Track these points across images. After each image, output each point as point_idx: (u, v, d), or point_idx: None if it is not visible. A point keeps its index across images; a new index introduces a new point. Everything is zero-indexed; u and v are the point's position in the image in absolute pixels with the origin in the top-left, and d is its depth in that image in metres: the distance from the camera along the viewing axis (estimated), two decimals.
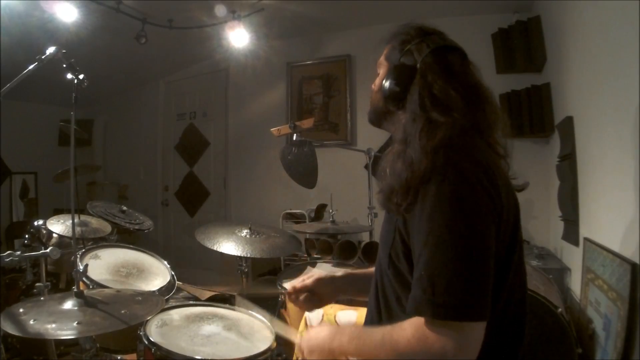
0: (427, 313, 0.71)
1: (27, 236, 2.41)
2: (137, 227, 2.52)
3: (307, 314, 1.53)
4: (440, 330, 0.70)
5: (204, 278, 3.79)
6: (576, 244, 1.96)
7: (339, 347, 0.86)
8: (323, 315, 1.51)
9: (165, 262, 2.05)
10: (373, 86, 1.00)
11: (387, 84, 0.91)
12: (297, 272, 2.10)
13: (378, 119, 1.00)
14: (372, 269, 1.17)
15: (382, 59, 0.99)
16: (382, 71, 0.98)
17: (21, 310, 1.22)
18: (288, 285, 1.17)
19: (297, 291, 1.13)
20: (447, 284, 0.70)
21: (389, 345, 0.76)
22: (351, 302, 1.60)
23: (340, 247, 2.66)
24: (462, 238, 0.72)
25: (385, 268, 0.89)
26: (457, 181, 0.74)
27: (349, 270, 1.19)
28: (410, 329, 0.75)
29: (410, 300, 0.75)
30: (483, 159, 0.79)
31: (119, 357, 1.70)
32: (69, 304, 1.26)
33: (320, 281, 1.12)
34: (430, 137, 0.80)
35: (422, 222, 0.76)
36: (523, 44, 2.77)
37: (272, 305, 1.99)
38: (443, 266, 0.71)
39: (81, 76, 1.45)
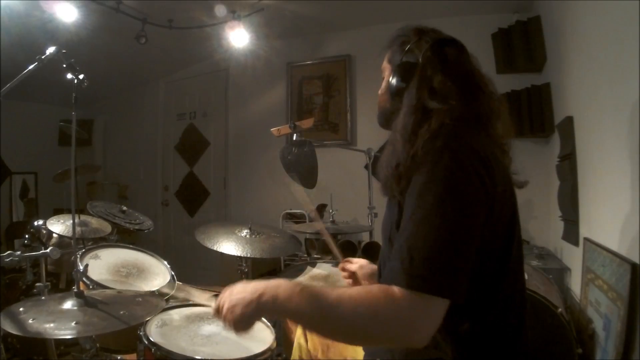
0: (401, 283, 0.71)
1: (27, 236, 2.41)
2: (137, 227, 2.51)
3: None
4: (411, 299, 0.70)
5: (204, 278, 3.81)
6: (576, 244, 1.96)
7: (272, 302, 0.78)
8: None
9: (165, 262, 2.05)
10: (380, 91, 1.02)
11: (393, 82, 0.93)
12: (297, 272, 2.10)
13: (387, 120, 1.01)
14: None
15: (384, 63, 1.01)
16: (386, 74, 1.00)
17: (21, 309, 1.22)
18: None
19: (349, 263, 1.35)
20: (425, 258, 0.71)
21: (350, 301, 0.73)
22: None
23: (340, 247, 2.64)
24: (448, 218, 0.73)
25: (387, 256, 0.90)
26: (452, 165, 0.75)
27: None
28: (379, 289, 0.73)
29: (387, 270, 0.75)
30: (481, 148, 0.80)
31: (119, 357, 1.71)
32: (68, 304, 1.26)
33: (362, 267, 1.31)
34: (424, 124, 0.82)
35: (411, 199, 0.77)
36: (523, 44, 2.77)
37: None
38: (424, 241, 0.72)
39: (81, 76, 1.45)
